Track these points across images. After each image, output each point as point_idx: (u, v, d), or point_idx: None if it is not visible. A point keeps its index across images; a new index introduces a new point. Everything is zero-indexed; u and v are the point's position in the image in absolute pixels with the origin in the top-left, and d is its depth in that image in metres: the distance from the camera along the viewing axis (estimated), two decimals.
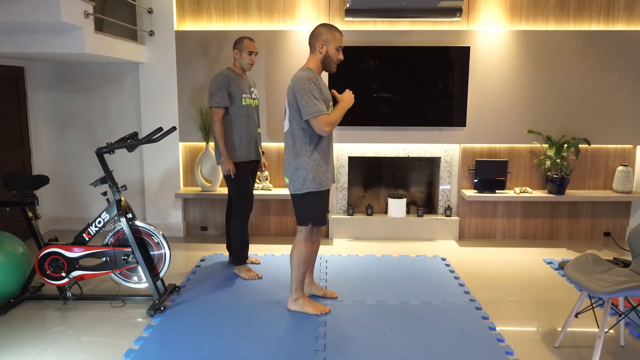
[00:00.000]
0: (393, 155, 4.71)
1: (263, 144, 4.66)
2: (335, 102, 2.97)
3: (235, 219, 3.66)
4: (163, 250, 3.29)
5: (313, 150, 2.87)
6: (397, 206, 4.68)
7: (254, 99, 3.69)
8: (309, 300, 3.15)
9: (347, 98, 2.90)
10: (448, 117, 4.50)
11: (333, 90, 2.96)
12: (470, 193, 4.54)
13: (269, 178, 4.71)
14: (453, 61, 4.42)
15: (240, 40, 3.58)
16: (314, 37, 2.90)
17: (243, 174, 3.62)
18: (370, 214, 4.76)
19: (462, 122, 4.49)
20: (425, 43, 4.44)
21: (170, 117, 4.62)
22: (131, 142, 3.26)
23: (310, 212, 2.94)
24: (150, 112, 4.63)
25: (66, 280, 3.22)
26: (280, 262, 4.03)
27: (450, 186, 4.74)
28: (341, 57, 2.92)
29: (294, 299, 3.11)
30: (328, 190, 3.00)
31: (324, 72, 3.05)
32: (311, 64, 2.91)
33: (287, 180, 2.97)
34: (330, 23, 2.89)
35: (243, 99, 3.57)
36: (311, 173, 2.86)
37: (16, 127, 4.52)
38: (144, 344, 2.74)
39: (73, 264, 3.20)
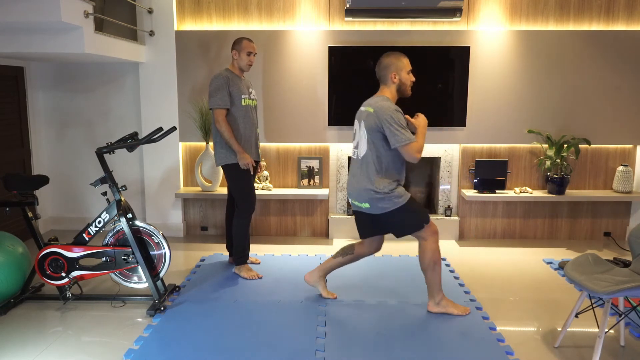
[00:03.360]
0: None
1: (261, 144, 4.66)
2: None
3: (238, 219, 3.66)
4: (163, 250, 3.29)
5: (392, 173, 2.94)
6: None
7: (253, 99, 3.70)
8: (451, 302, 3.13)
9: (423, 122, 2.97)
10: (448, 117, 4.50)
11: (406, 116, 3.01)
12: (470, 193, 4.54)
13: (269, 178, 4.71)
14: (453, 61, 4.42)
15: (239, 41, 3.58)
16: (385, 69, 2.96)
17: (245, 174, 3.62)
18: None
19: (462, 122, 4.49)
20: (425, 43, 4.44)
21: (170, 117, 4.62)
22: (131, 142, 3.26)
23: (416, 217, 2.97)
24: (150, 112, 4.63)
25: (66, 280, 3.22)
26: (280, 262, 4.03)
27: (450, 186, 4.74)
28: (413, 78, 3.00)
29: (436, 301, 3.09)
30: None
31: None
32: (387, 94, 2.97)
33: (366, 205, 2.96)
34: (396, 53, 2.98)
35: (242, 100, 3.57)
36: (395, 190, 2.92)
37: (16, 127, 4.52)
38: (144, 344, 2.74)
39: (73, 264, 3.20)
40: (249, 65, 3.62)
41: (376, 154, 2.91)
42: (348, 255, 3.22)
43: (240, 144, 3.56)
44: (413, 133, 2.96)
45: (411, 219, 2.97)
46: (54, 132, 4.88)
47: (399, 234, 3.03)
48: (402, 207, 2.93)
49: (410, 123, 2.98)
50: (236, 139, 3.54)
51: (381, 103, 2.88)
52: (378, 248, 3.20)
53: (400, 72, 2.94)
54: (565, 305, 3.28)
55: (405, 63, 2.96)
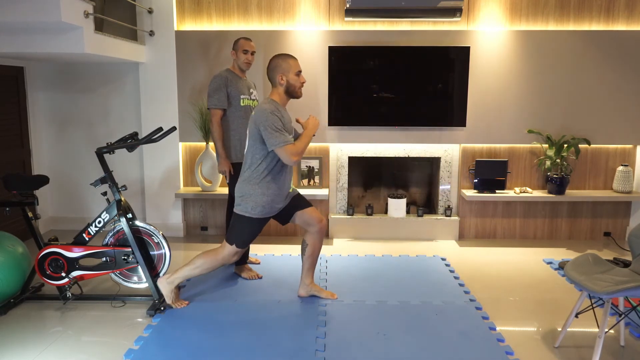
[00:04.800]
0: (393, 155, 4.71)
1: None
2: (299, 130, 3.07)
3: None
4: (163, 250, 3.29)
5: (264, 180, 2.94)
6: (397, 206, 4.68)
7: (253, 100, 3.69)
8: (177, 293, 3.22)
9: (311, 125, 2.98)
10: (448, 117, 4.50)
11: (298, 118, 3.05)
12: (470, 193, 4.54)
13: None
14: (453, 61, 4.42)
15: (237, 41, 3.60)
16: (272, 71, 2.97)
17: None
18: (370, 214, 4.76)
19: (462, 122, 4.49)
20: (425, 43, 4.44)
21: (170, 117, 4.62)
22: (131, 142, 3.26)
23: (240, 235, 3.02)
24: (150, 112, 4.63)
25: (66, 280, 3.22)
26: (280, 262, 4.03)
27: (450, 186, 4.74)
28: (303, 80, 3.00)
29: (169, 281, 3.13)
30: (268, 218, 3.05)
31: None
32: (275, 96, 2.99)
33: (236, 198, 3.03)
34: (285, 54, 3.00)
35: (241, 100, 3.57)
36: (259, 201, 2.94)
37: (16, 127, 4.52)
38: (144, 344, 2.74)
39: (73, 264, 3.20)
40: (247, 64, 3.62)
41: (254, 154, 2.94)
42: (306, 249, 3.24)
43: (237, 144, 3.56)
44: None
45: (236, 231, 3.02)
46: (54, 132, 4.88)
47: (226, 235, 3.08)
48: (243, 217, 2.98)
49: (301, 123, 3.01)
50: (224, 141, 3.56)
51: (262, 106, 2.90)
52: (315, 223, 3.15)
53: (287, 74, 2.94)
54: (565, 305, 3.28)
55: (292, 64, 2.95)
